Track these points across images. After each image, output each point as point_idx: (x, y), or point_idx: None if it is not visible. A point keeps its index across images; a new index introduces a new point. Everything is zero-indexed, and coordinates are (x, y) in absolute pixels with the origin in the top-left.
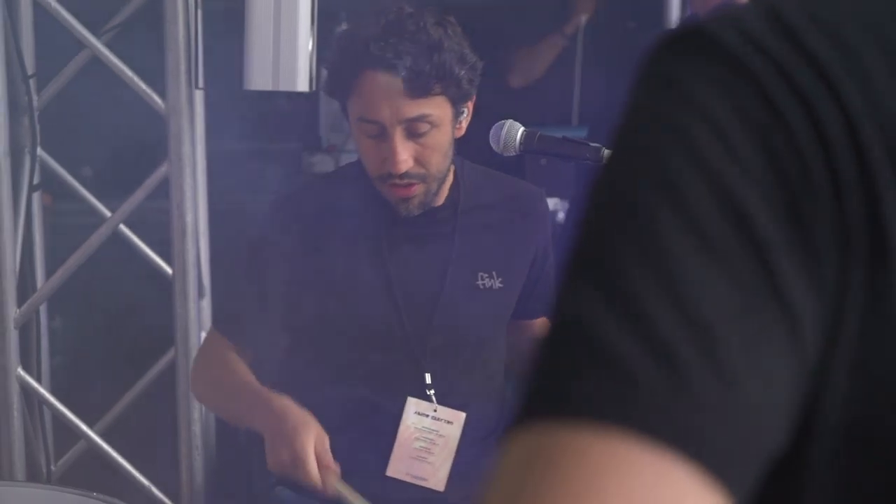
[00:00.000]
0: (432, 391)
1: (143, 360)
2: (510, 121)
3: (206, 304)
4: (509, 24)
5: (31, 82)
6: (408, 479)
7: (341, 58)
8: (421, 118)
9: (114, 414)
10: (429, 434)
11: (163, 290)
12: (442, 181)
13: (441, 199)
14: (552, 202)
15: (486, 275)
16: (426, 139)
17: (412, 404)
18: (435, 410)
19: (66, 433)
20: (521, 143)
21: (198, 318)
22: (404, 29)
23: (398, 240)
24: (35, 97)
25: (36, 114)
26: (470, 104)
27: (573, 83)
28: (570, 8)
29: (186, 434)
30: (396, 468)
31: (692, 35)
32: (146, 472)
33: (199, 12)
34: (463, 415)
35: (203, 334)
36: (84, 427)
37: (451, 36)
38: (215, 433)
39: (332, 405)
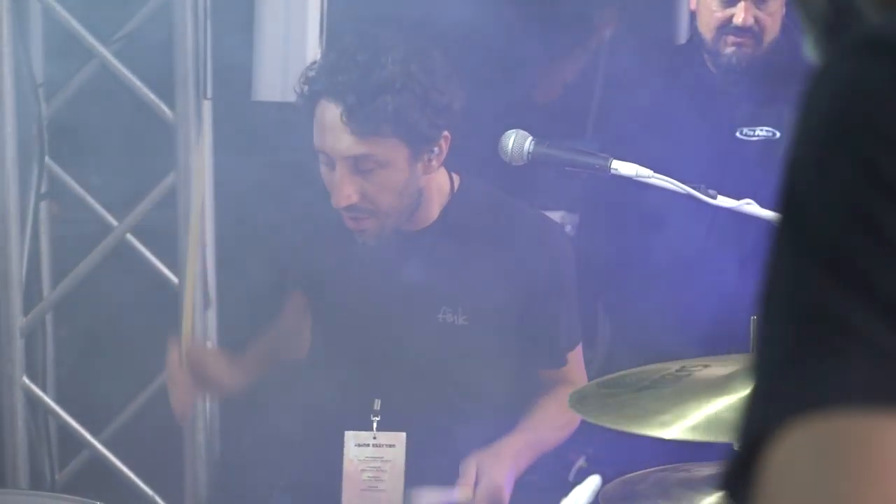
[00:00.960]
0: (377, 418)
1: (148, 369)
2: (518, 130)
3: (212, 314)
4: (532, 40)
5: (40, 91)
6: None
7: (307, 81)
8: (364, 157)
9: (118, 423)
10: (373, 462)
11: (169, 300)
12: (407, 214)
13: (427, 221)
14: (558, 215)
15: (450, 310)
16: (373, 177)
17: (350, 437)
18: (374, 438)
19: (71, 442)
20: (528, 153)
21: (204, 328)
22: (358, 64)
23: (368, 260)
24: (44, 106)
25: (44, 123)
26: (442, 143)
27: (591, 97)
28: (593, 22)
29: (190, 444)
30: None
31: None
32: (150, 482)
33: (208, 23)
34: (403, 434)
35: (209, 344)
36: (88, 436)
37: (417, 76)
38: (219, 443)
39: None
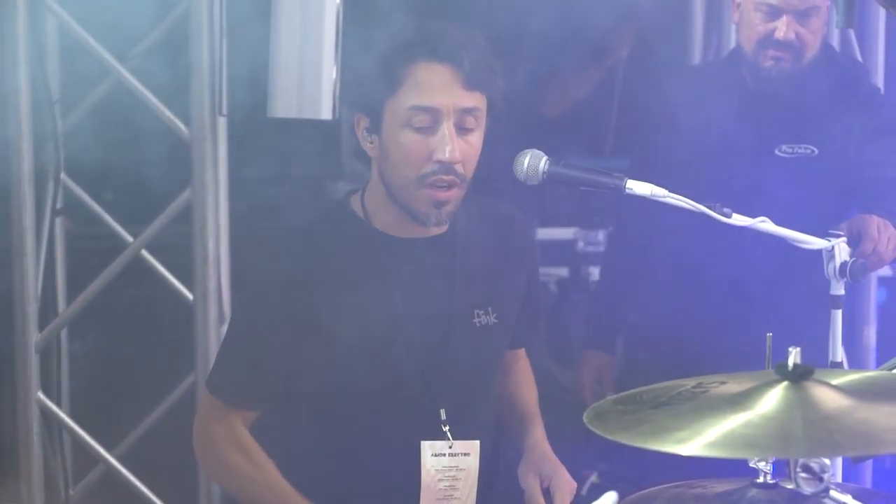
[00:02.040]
0: (447, 427)
1: (163, 385)
2: (533, 150)
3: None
4: (547, 55)
5: (56, 108)
6: None
7: (391, 51)
8: (472, 110)
9: (133, 439)
10: (449, 472)
11: (183, 316)
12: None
13: (443, 227)
14: (571, 231)
15: (482, 311)
16: (470, 137)
17: (427, 447)
18: (450, 447)
19: (85, 457)
20: (544, 173)
21: (218, 343)
22: (459, 30)
23: (401, 273)
24: (60, 123)
25: (60, 139)
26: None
27: (611, 115)
28: (611, 41)
29: None
30: None
31: None
32: (165, 497)
33: (224, 40)
34: (477, 443)
35: None
36: (103, 451)
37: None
38: None
39: (348, 461)
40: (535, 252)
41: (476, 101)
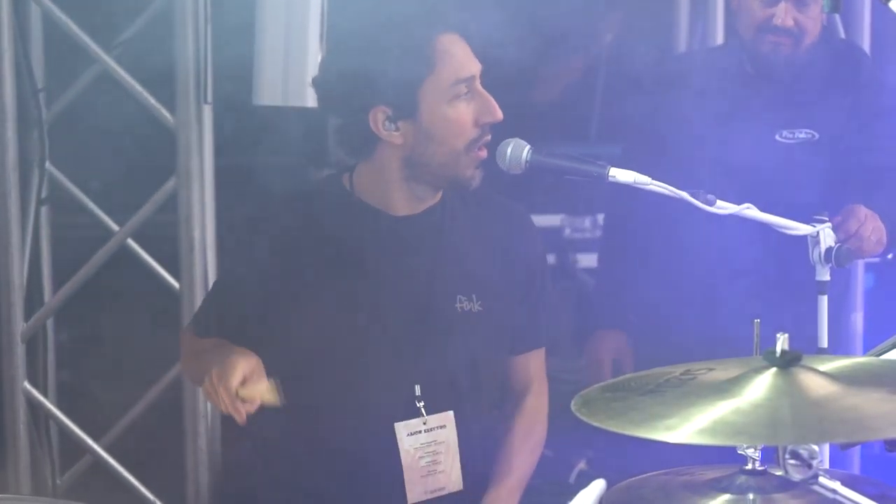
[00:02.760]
0: (422, 403)
1: (150, 374)
2: (516, 139)
3: None
4: (533, 43)
5: (41, 96)
6: (428, 496)
7: (417, 33)
8: (481, 74)
9: (120, 428)
10: (429, 447)
11: (170, 305)
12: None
13: (435, 200)
14: (558, 218)
15: (465, 298)
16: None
17: (401, 428)
18: (425, 423)
19: (72, 447)
20: (526, 161)
21: None
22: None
23: (385, 251)
24: (44, 111)
25: (45, 128)
26: None
27: (594, 101)
28: (595, 27)
29: (192, 448)
30: (414, 493)
31: None
32: (152, 486)
33: (209, 28)
34: (451, 413)
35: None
36: (90, 441)
37: None
38: (221, 448)
39: (323, 441)
40: (540, 254)
41: (478, 63)
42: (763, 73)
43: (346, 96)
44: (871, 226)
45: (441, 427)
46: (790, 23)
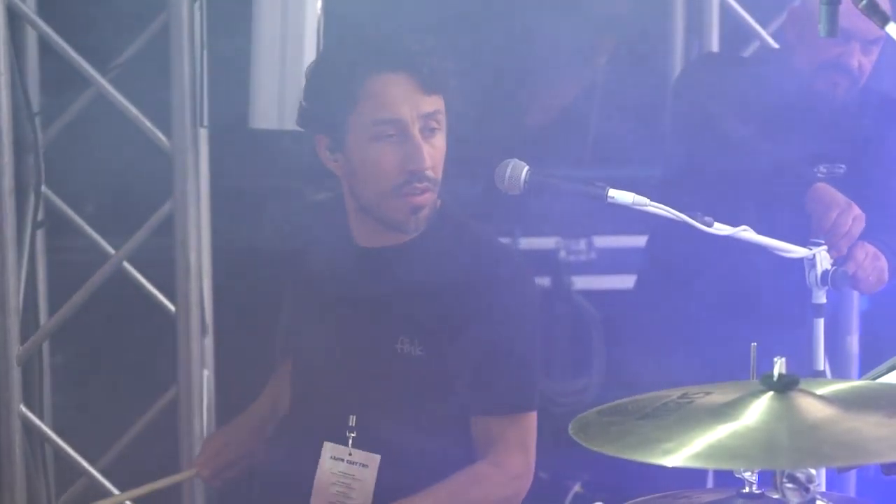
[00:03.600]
0: (353, 434)
1: (146, 397)
2: (514, 160)
3: (209, 342)
4: (527, 65)
5: (37, 120)
6: None
7: (344, 68)
8: (434, 114)
9: (116, 451)
10: (345, 478)
11: (165, 328)
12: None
13: (408, 236)
14: (553, 240)
15: (408, 340)
16: (435, 140)
17: (328, 449)
18: (350, 454)
19: (68, 470)
20: (525, 183)
21: (200, 355)
22: (410, 35)
23: (355, 279)
24: (40, 135)
25: (41, 151)
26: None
27: (589, 123)
28: (590, 49)
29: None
30: None
31: None
32: None
33: (205, 52)
34: (377, 457)
35: (206, 372)
36: (86, 464)
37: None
38: None
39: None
40: (521, 302)
41: (436, 104)
42: (813, 107)
43: (301, 120)
44: (870, 267)
45: (364, 465)
46: (857, 64)
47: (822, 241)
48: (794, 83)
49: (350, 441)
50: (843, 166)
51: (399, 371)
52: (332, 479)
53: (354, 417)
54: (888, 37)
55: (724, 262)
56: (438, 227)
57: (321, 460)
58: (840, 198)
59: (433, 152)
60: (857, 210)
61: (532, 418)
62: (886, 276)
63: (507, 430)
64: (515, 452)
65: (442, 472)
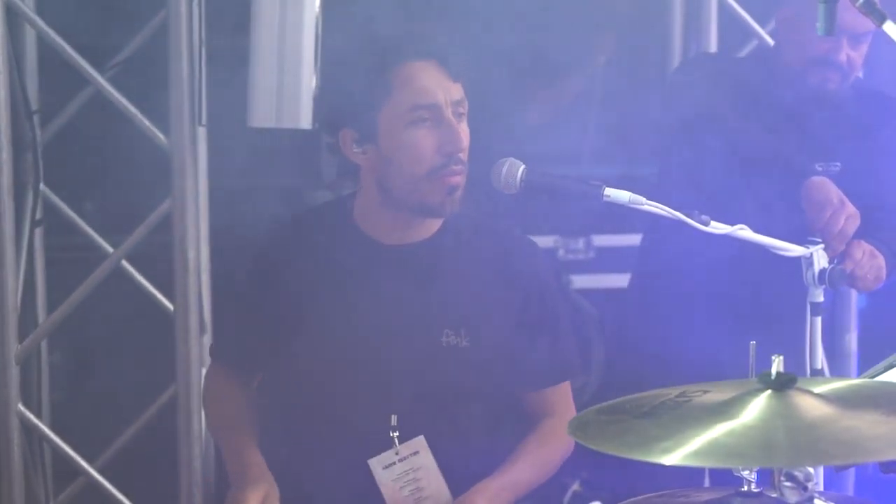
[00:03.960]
0: (396, 434)
1: (145, 396)
2: (511, 159)
3: (208, 340)
4: (529, 64)
5: (35, 118)
6: None
7: (373, 60)
8: (462, 100)
9: (114, 450)
10: (408, 476)
11: (164, 326)
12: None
13: (431, 231)
14: (552, 239)
15: (452, 332)
16: (463, 125)
17: (375, 464)
18: (397, 453)
19: (66, 469)
20: (521, 181)
21: (199, 354)
22: (428, 25)
23: (379, 277)
24: (39, 133)
25: (39, 149)
26: None
27: (588, 122)
28: (590, 49)
29: (186, 470)
30: None
31: None
32: None
33: (203, 50)
34: (421, 437)
35: (204, 371)
36: (84, 463)
37: None
38: (215, 470)
39: (301, 458)
40: (543, 286)
41: (461, 91)
42: (806, 104)
43: (325, 117)
44: (867, 265)
45: (414, 454)
46: (845, 59)
47: (819, 240)
48: (786, 80)
49: (396, 441)
50: (838, 164)
51: (444, 363)
52: (396, 485)
53: (395, 417)
54: (879, 32)
55: (720, 260)
56: (455, 220)
57: (376, 477)
58: (834, 196)
59: (464, 135)
60: (850, 209)
61: None
62: (884, 273)
63: (560, 394)
64: (571, 409)
65: (490, 451)
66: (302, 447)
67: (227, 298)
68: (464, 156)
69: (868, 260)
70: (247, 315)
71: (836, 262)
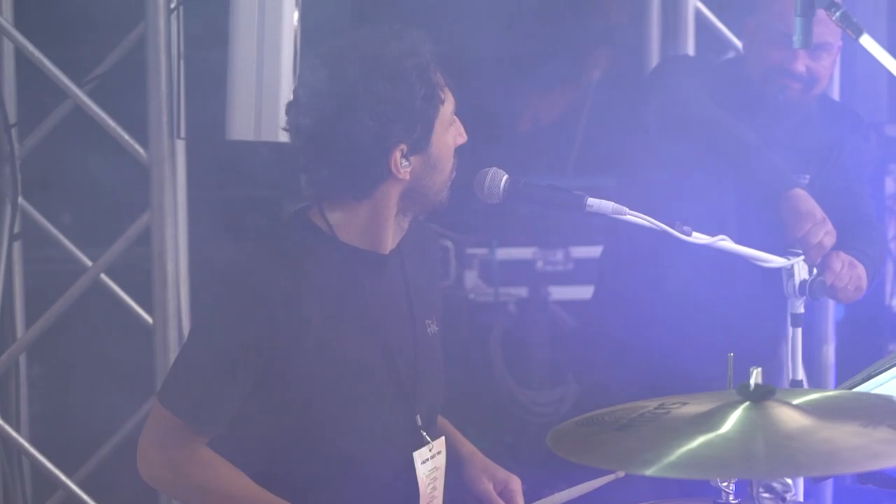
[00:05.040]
0: (424, 432)
1: (123, 409)
2: (494, 168)
3: None
4: (520, 73)
5: (14, 131)
6: None
7: (424, 74)
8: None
9: (93, 463)
10: (433, 474)
11: (143, 339)
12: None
13: (399, 236)
14: (531, 251)
15: (430, 321)
16: None
17: (417, 457)
18: (430, 449)
19: (45, 482)
20: (504, 191)
21: None
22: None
23: (373, 285)
24: (17, 146)
25: (18, 163)
26: None
27: (576, 134)
28: (583, 62)
29: None
30: None
31: None
32: None
33: (181, 63)
34: (443, 439)
35: None
36: (63, 476)
37: None
38: None
39: (333, 477)
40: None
41: None
42: (773, 114)
43: (368, 142)
44: (847, 276)
45: (439, 453)
46: (803, 69)
47: (800, 251)
48: (750, 88)
49: (427, 437)
50: (807, 176)
51: (433, 350)
52: (426, 482)
53: (420, 416)
54: (844, 42)
55: (694, 269)
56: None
57: (417, 472)
58: (818, 211)
59: None
60: (830, 226)
61: None
62: (865, 284)
63: None
64: None
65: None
66: (328, 463)
67: (205, 345)
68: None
69: (847, 271)
70: (234, 368)
71: (816, 273)
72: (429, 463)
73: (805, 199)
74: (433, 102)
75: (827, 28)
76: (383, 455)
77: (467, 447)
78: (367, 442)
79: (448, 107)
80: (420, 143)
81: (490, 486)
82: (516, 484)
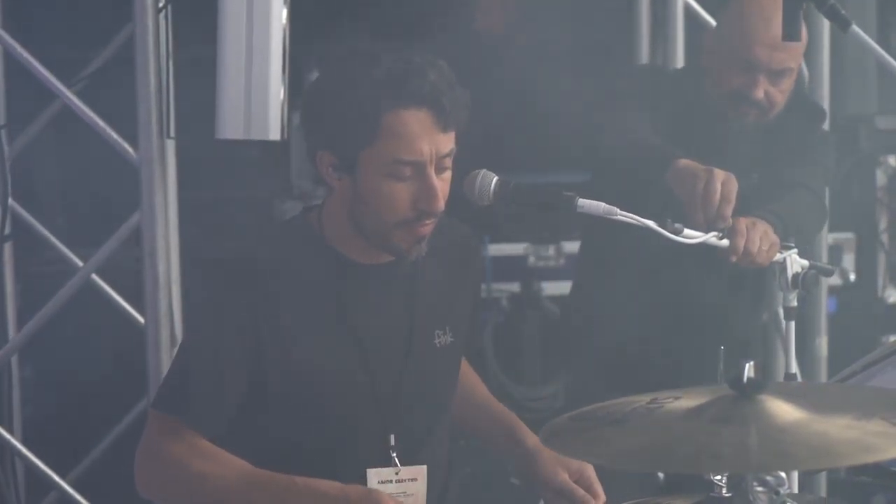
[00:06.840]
0: (395, 453)
1: (116, 409)
2: (484, 170)
3: None
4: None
5: (3, 132)
6: None
7: (365, 102)
8: (450, 153)
9: (86, 464)
10: (397, 497)
11: (135, 340)
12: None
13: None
14: (522, 246)
15: (441, 331)
16: (446, 175)
17: (373, 476)
18: (397, 473)
19: (39, 483)
20: (494, 193)
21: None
22: (428, 63)
23: (361, 298)
24: (6, 147)
25: (7, 164)
26: None
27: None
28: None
29: None
30: None
31: None
32: None
33: (171, 62)
34: (424, 468)
35: None
36: (56, 477)
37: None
38: None
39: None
40: (483, 267)
41: (451, 141)
42: (720, 132)
43: (306, 129)
44: (756, 235)
45: (412, 480)
46: (761, 96)
47: (792, 245)
48: (707, 109)
49: (396, 460)
50: (755, 175)
51: (436, 363)
52: None
53: (394, 436)
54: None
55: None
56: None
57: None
58: (698, 167)
59: (443, 188)
60: (721, 173)
61: None
62: (777, 238)
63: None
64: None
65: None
66: (299, 460)
67: (202, 348)
68: (440, 206)
69: (752, 229)
70: (228, 365)
71: (728, 244)
72: (391, 486)
73: (683, 164)
74: (357, 134)
75: (789, 54)
76: (343, 470)
77: (532, 438)
78: (328, 456)
79: (386, 153)
80: (345, 165)
81: (566, 477)
82: (590, 470)
